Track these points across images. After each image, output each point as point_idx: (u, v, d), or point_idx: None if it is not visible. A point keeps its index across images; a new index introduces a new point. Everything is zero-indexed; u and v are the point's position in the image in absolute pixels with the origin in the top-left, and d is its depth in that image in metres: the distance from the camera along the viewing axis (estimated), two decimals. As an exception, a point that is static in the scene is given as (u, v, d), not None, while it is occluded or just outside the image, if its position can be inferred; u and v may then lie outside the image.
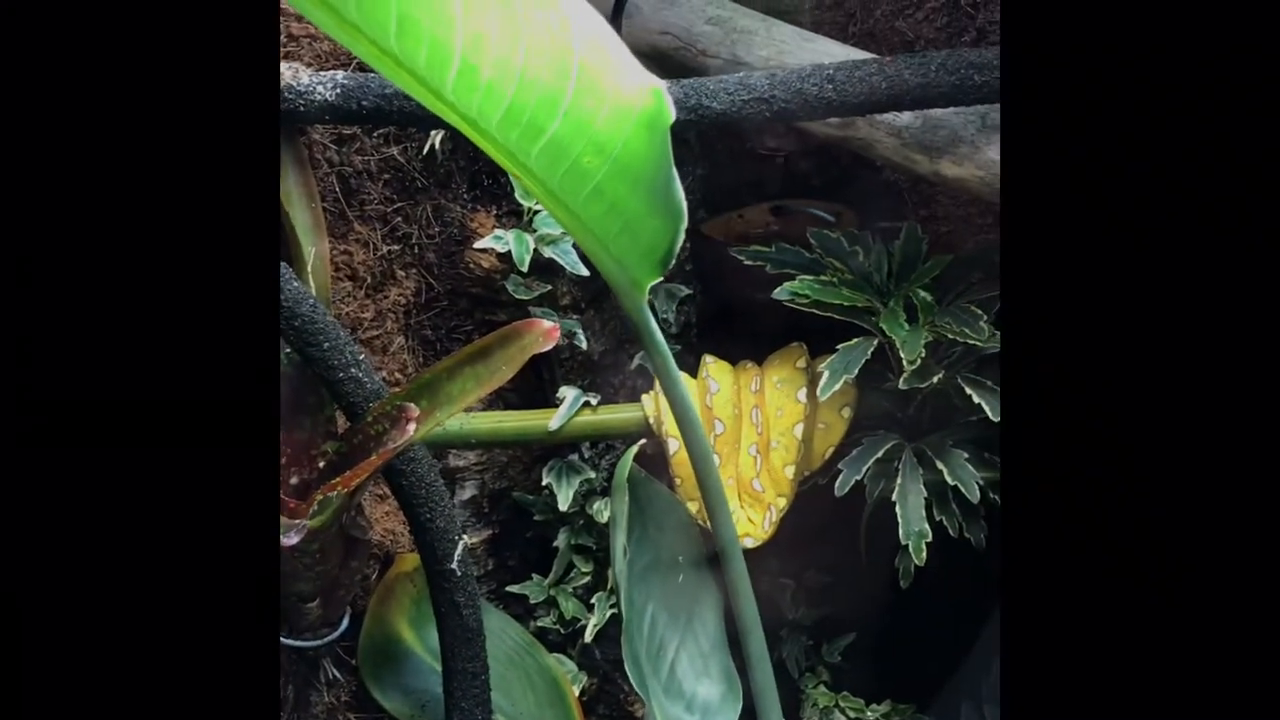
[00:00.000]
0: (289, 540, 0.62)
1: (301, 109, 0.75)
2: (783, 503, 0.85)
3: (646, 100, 0.51)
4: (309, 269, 0.78)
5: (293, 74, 0.75)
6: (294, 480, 0.74)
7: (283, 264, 0.71)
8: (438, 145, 0.87)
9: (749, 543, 0.83)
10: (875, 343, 0.82)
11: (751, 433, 0.86)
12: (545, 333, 0.73)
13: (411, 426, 0.69)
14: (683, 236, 0.58)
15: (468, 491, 0.96)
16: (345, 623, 0.82)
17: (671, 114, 0.52)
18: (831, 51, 0.82)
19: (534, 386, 0.95)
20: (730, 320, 1.01)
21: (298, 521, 0.65)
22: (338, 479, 0.70)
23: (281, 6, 0.78)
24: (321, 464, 0.75)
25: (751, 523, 0.84)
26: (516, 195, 0.89)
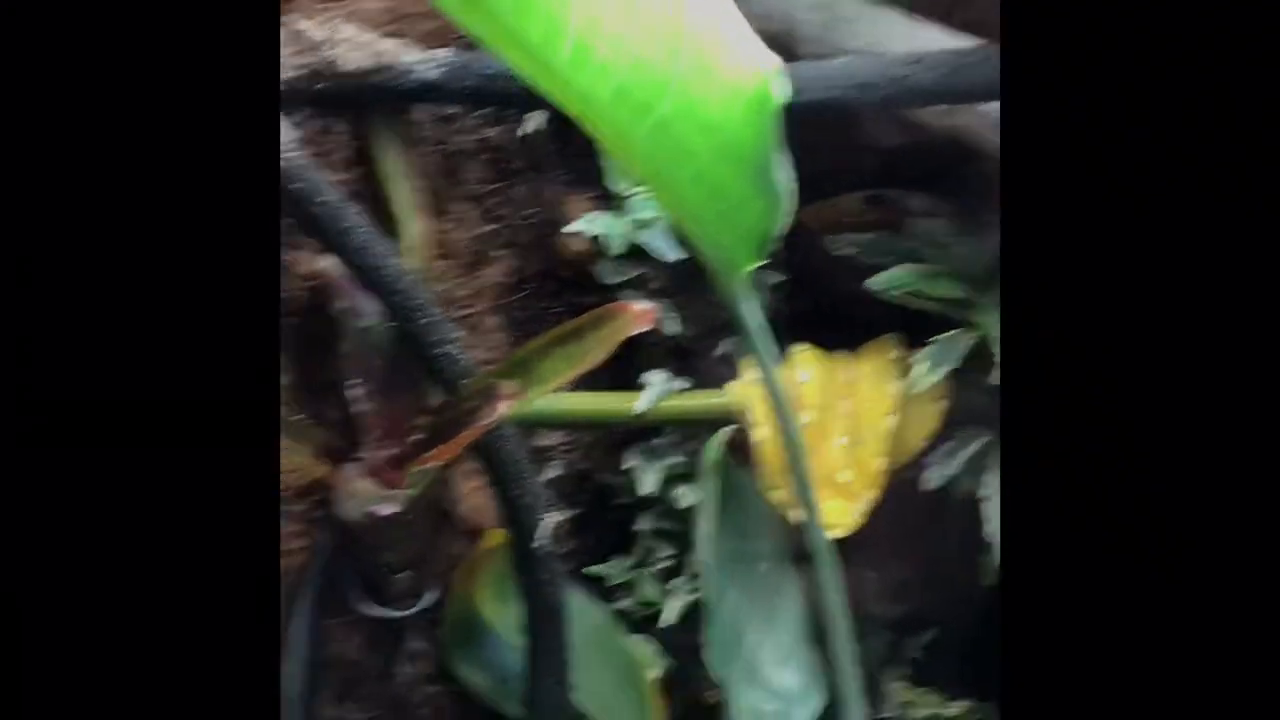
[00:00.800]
0: (387, 510, 0.64)
1: (405, 87, 0.77)
2: (870, 495, 0.84)
3: (757, 82, 0.51)
4: (408, 246, 0.79)
5: (398, 52, 0.77)
6: (388, 453, 0.76)
7: (386, 239, 0.72)
8: (535, 128, 0.88)
9: (835, 534, 0.83)
10: (972, 337, 0.80)
11: (841, 424, 0.86)
12: (639, 316, 0.73)
13: (504, 404, 0.70)
14: (784, 221, 0.58)
15: (552, 471, 0.97)
16: (431, 595, 0.83)
17: (782, 97, 0.52)
18: (937, 39, 0.80)
19: (620, 369, 0.96)
20: (821, 309, 1.01)
21: (396, 492, 0.66)
22: (431, 453, 0.71)
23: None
24: (414, 438, 0.77)
25: (838, 514, 0.84)
26: (611, 179, 0.89)
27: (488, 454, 0.76)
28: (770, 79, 0.52)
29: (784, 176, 0.56)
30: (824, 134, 1.03)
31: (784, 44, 0.87)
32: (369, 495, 0.66)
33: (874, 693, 1.02)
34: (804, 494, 0.69)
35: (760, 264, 0.60)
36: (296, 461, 0.76)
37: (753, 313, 0.63)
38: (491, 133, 0.86)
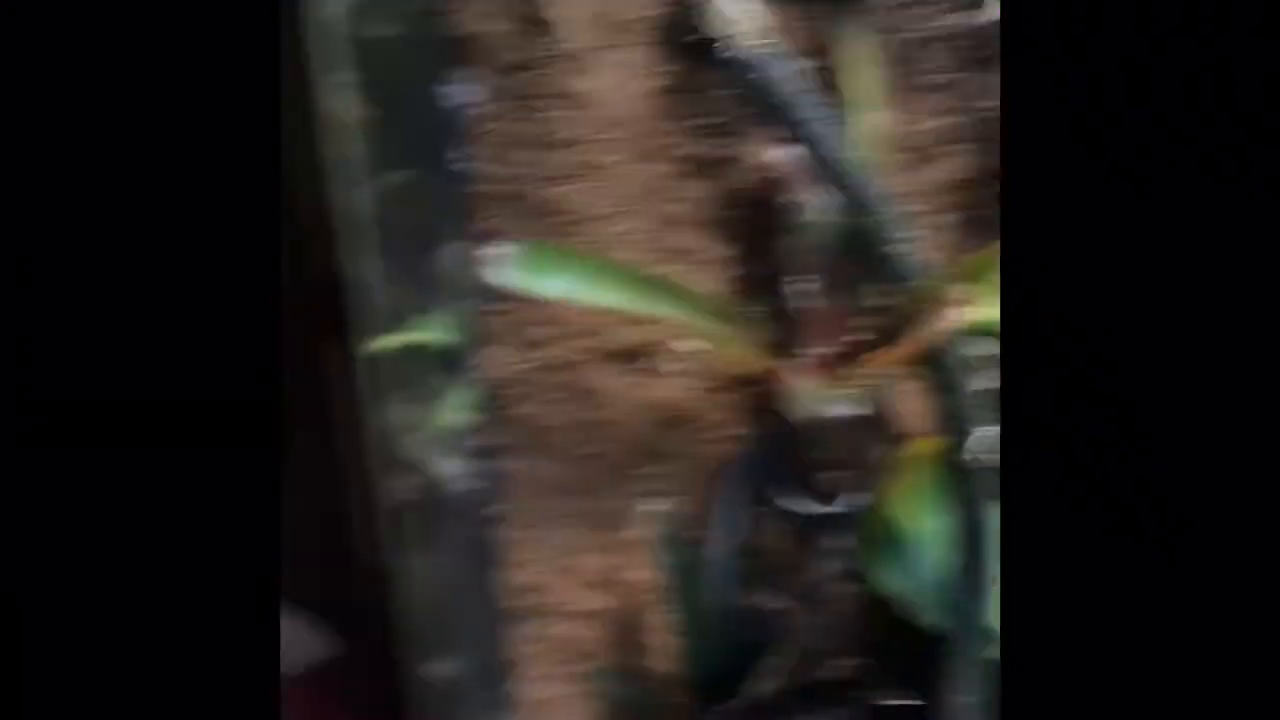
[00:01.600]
0: (841, 410, 0.64)
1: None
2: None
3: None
4: (863, 138, 0.77)
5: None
6: (831, 350, 0.76)
7: (843, 131, 0.71)
8: (995, 16, 0.82)
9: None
10: None
11: None
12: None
13: (956, 310, 0.68)
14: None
15: (982, 383, 0.93)
16: (856, 495, 0.83)
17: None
18: None
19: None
20: None
21: (845, 390, 0.67)
22: (877, 354, 0.70)
23: None
24: (859, 337, 0.76)
25: None
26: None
27: (926, 359, 0.74)
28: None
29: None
30: None
31: None
32: (818, 394, 0.67)
33: None
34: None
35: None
36: (737, 354, 0.77)
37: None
38: (952, 19, 0.81)
